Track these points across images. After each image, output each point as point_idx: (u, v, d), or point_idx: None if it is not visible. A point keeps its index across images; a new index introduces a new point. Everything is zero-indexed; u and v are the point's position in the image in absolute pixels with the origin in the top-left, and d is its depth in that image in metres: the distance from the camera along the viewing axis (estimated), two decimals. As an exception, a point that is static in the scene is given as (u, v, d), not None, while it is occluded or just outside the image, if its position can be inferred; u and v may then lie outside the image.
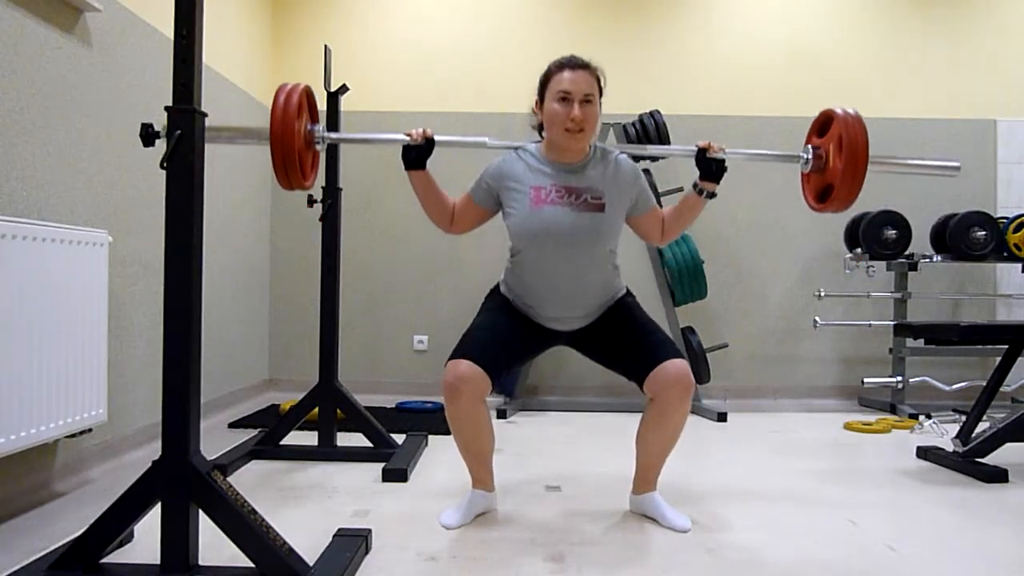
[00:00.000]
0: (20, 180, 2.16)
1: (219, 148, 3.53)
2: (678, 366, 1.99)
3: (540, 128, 2.11)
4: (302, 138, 1.87)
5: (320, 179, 2.82)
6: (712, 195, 2.06)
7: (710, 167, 2.03)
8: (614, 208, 2.04)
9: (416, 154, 2.01)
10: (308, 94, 1.92)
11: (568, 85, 1.97)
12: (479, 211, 2.14)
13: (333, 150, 2.84)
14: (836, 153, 1.95)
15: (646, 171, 3.97)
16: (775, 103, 4.32)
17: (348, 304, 4.17)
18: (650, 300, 3.96)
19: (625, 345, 2.08)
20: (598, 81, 2.04)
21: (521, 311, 2.14)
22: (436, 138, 2.01)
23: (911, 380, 3.98)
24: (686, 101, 4.32)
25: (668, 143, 3.90)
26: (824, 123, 2.04)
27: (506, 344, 2.07)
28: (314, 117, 1.96)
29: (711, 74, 4.35)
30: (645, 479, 2.16)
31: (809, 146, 2.06)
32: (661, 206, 2.22)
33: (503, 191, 2.08)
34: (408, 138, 2.00)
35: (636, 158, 3.92)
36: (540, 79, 2.07)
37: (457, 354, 1.99)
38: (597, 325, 2.13)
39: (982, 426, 2.80)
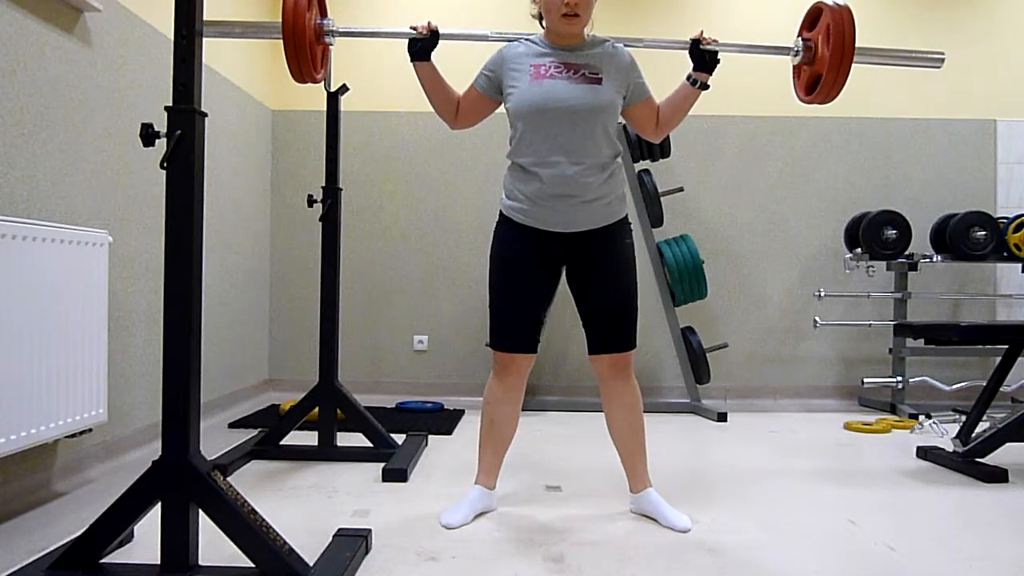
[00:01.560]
0: (20, 180, 2.16)
1: (219, 148, 3.53)
2: (614, 359, 2.12)
3: (540, 18, 2.18)
4: (312, 30, 1.95)
5: (320, 179, 2.84)
6: (705, 86, 2.12)
7: (703, 57, 2.08)
8: (611, 83, 2.08)
9: (421, 45, 2.08)
10: None
11: None
12: (483, 100, 2.19)
13: (333, 151, 2.83)
14: (824, 42, 2.01)
15: (645, 171, 3.98)
16: (775, 103, 4.32)
17: (348, 304, 4.17)
18: (650, 300, 3.96)
19: (598, 306, 2.13)
20: None
21: (525, 232, 2.10)
22: (440, 31, 2.08)
23: (911, 380, 3.98)
24: (686, 101, 4.31)
25: (668, 143, 3.90)
26: (814, 16, 2.10)
27: (530, 309, 2.13)
28: (323, 11, 2.05)
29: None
30: (634, 472, 2.20)
31: (799, 38, 2.11)
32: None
33: (505, 74, 2.13)
34: (413, 31, 2.06)
35: (640, 156, 3.92)
36: None
37: (499, 343, 2.14)
38: (592, 252, 2.11)
39: (982, 426, 2.80)
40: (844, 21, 1.96)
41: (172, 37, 1.58)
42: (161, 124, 1.59)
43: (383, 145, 4.31)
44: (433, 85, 2.15)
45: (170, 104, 1.57)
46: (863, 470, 2.80)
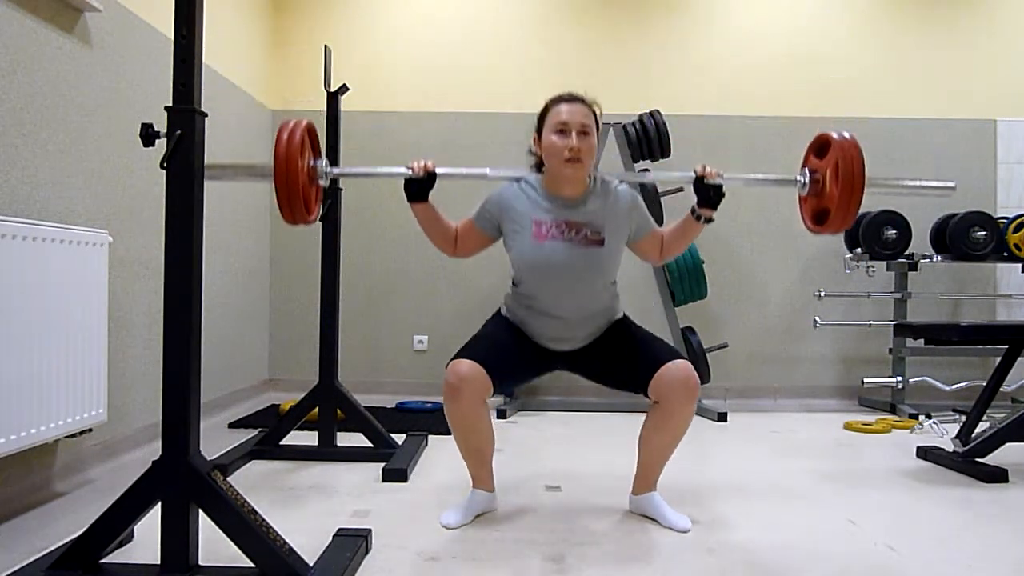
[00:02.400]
0: (20, 180, 2.16)
1: (219, 147, 3.53)
2: (683, 367, 2.01)
3: (539, 165, 2.14)
4: (305, 174, 1.88)
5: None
6: (710, 220, 2.09)
7: (707, 193, 2.04)
8: (613, 241, 2.08)
9: (418, 187, 2.04)
10: (310, 130, 1.94)
11: (565, 116, 2.01)
12: (482, 237, 2.18)
13: (333, 151, 2.83)
14: (833, 179, 1.94)
15: (645, 170, 3.97)
16: (775, 103, 4.32)
17: (348, 304, 4.17)
18: (650, 300, 3.96)
19: (626, 357, 2.10)
20: (594, 114, 2.07)
21: (523, 331, 2.16)
22: (437, 171, 2.03)
23: (911, 380, 3.98)
24: (686, 101, 4.32)
25: (668, 143, 3.90)
26: (821, 146, 2.04)
27: (508, 354, 2.10)
28: (316, 152, 1.98)
29: (711, 74, 4.35)
30: (646, 479, 2.17)
31: (806, 170, 2.05)
32: (662, 221, 2.24)
33: (505, 221, 2.12)
34: (410, 171, 2.01)
35: (640, 156, 3.92)
36: (538, 115, 2.11)
37: (458, 355, 2.02)
38: (596, 346, 2.15)
39: (982, 426, 2.80)
40: (853, 159, 1.89)
41: (172, 37, 1.58)
42: (161, 124, 1.59)
43: (383, 145, 4.31)
44: (431, 224, 2.12)
45: (170, 104, 1.57)
46: (863, 470, 2.80)
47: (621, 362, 2.11)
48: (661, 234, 2.20)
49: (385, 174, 2.12)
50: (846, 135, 1.94)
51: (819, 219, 2.04)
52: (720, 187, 2.04)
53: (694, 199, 2.10)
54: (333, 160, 2.83)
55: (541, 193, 2.10)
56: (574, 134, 2.00)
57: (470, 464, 2.15)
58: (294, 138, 1.83)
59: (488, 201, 2.16)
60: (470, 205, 2.20)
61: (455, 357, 2.02)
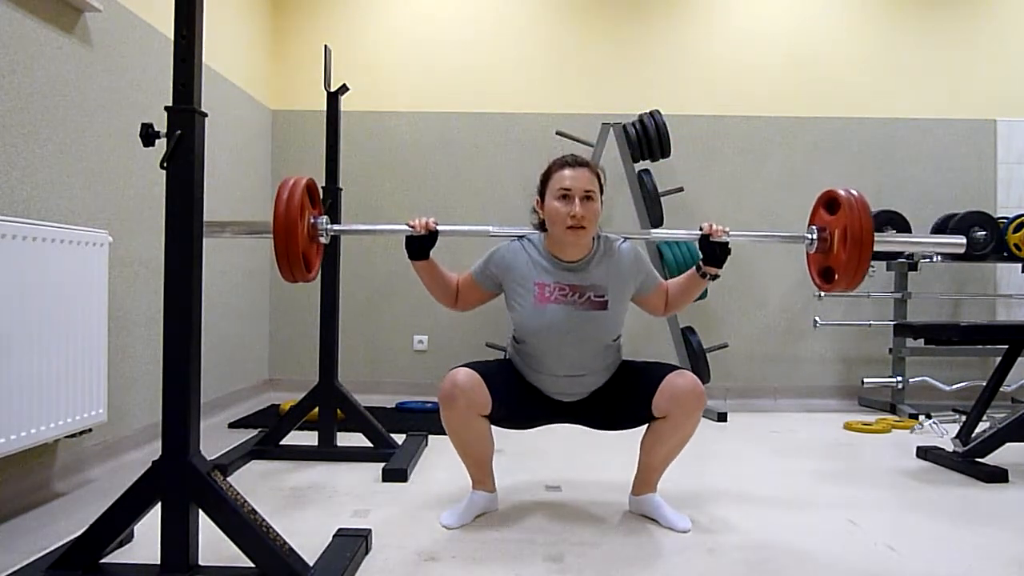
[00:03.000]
0: (20, 180, 2.16)
1: (219, 148, 3.53)
2: (688, 377, 2.01)
3: (541, 225, 2.12)
4: (306, 233, 1.88)
5: (320, 179, 2.83)
6: (715, 277, 2.07)
7: (714, 251, 2.03)
8: (617, 303, 2.07)
9: (419, 245, 2.04)
10: (310, 187, 1.94)
11: (569, 182, 1.99)
12: (483, 293, 2.18)
13: (333, 151, 2.84)
14: (841, 243, 1.93)
15: (645, 171, 3.97)
16: (775, 103, 4.32)
17: (348, 304, 4.16)
18: (650, 300, 3.96)
19: (626, 390, 2.10)
20: (598, 178, 2.06)
21: (527, 380, 2.16)
22: (439, 228, 2.04)
23: (911, 380, 3.98)
24: (686, 101, 4.32)
25: (668, 143, 3.90)
26: (829, 202, 2.02)
27: (511, 385, 2.10)
28: (317, 208, 1.97)
29: (711, 74, 4.34)
30: (646, 481, 2.17)
31: (814, 227, 2.05)
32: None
33: (507, 281, 2.12)
34: (411, 229, 2.01)
35: (640, 156, 3.92)
36: (540, 177, 2.09)
37: (457, 365, 2.03)
38: (599, 393, 2.14)
39: (982, 426, 2.80)
40: (862, 222, 1.87)
41: (172, 37, 1.58)
42: (161, 124, 1.59)
43: (383, 145, 4.31)
44: (432, 280, 2.13)
45: (170, 104, 1.57)
46: (863, 470, 2.80)
47: (622, 398, 2.10)
48: (666, 288, 2.18)
49: (387, 231, 2.11)
50: (854, 193, 1.92)
51: (826, 277, 2.03)
52: (726, 244, 2.02)
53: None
54: (332, 161, 2.83)
55: (543, 254, 2.09)
56: (577, 200, 1.98)
57: (469, 467, 2.15)
58: (294, 198, 1.83)
59: (490, 261, 2.15)
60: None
61: (452, 368, 2.03)
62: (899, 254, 3.98)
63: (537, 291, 2.04)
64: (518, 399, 2.10)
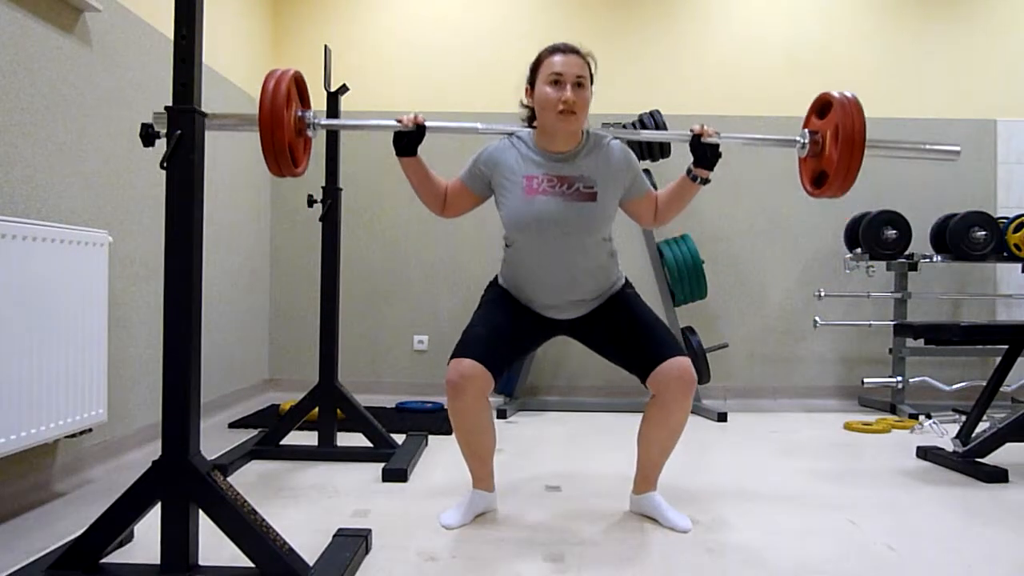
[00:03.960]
0: (20, 180, 2.16)
1: (219, 148, 3.53)
2: (681, 363, 2.01)
3: (531, 120, 2.11)
4: (292, 126, 1.85)
5: (320, 179, 2.83)
6: (706, 181, 2.06)
7: (704, 153, 2.02)
8: (606, 196, 2.04)
9: (407, 140, 2.00)
10: (298, 80, 1.90)
11: (560, 67, 1.97)
12: (471, 196, 2.15)
13: (333, 150, 2.84)
14: (832, 142, 1.92)
15: (646, 171, 3.97)
16: (775, 103, 4.32)
17: (348, 304, 4.17)
18: (650, 300, 3.93)
19: (627, 340, 2.08)
20: (589, 66, 2.04)
21: (520, 301, 2.14)
22: (427, 124, 2.00)
23: (911, 380, 3.98)
24: (686, 101, 4.32)
25: (668, 143, 3.90)
26: (822, 106, 2.02)
27: (506, 338, 2.07)
28: (305, 103, 1.94)
29: (711, 74, 4.34)
30: (646, 478, 2.16)
31: (806, 131, 2.04)
32: (656, 188, 2.21)
33: (495, 178, 2.09)
34: (399, 124, 1.98)
35: (640, 156, 3.92)
36: (531, 65, 2.08)
37: (459, 352, 2.00)
38: (597, 316, 2.12)
39: (982, 426, 2.80)
40: (854, 121, 1.86)
41: (172, 37, 1.58)
42: (161, 124, 1.59)
43: (383, 145, 4.29)
44: (420, 180, 2.09)
45: (170, 104, 1.57)
46: (863, 470, 2.80)
47: (623, 343, 2.09)
48: (655, 196, 2.15)
49: (374, 126, 2.07)
50: (848, 95, 1.90)
51: (818, 182, 2.02)
52: (717, 146, 2.03)
53: (694, 197, 2.09)
54: (332, 161, 2.83)
55: (532, 148, 2.07)
56: (569, 86, 1.96)
57: (471, 463, 2.14)
58: (280, 89, 1.80)
59: (478, 159, 2.12)
60: (460, 164, 2.18)
61: (455, 353, 2.00)
62: (897, 254, 3.98)
63: (525, 183, 2.02)
64: (514, 341, 2.08)
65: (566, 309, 2.11)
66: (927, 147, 2.16)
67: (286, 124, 1.81)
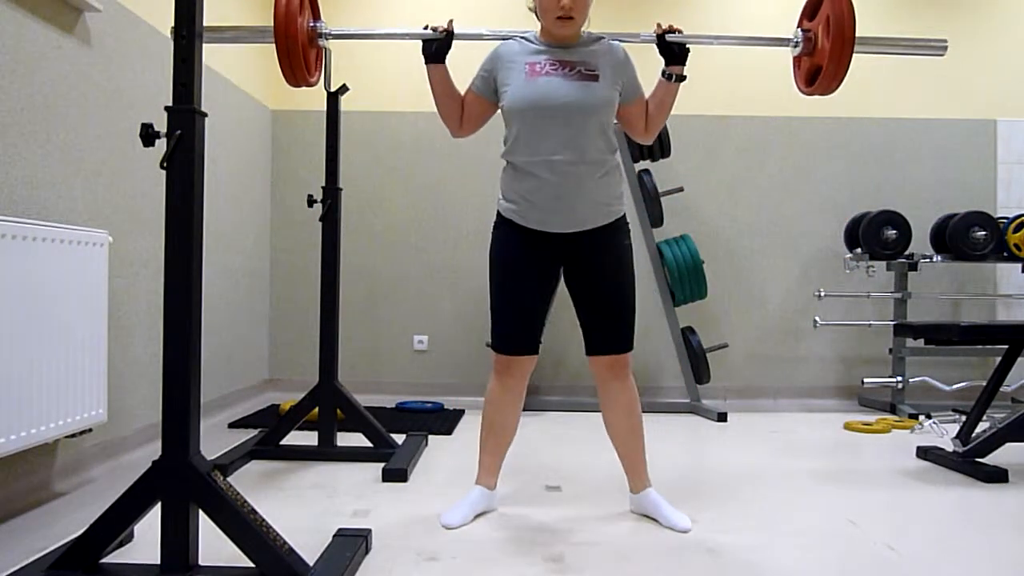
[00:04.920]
0: (20, 180, 2.16)
1: (220, 148, 3.53)
2: (612, 360, 2.11)
3: (536, 12, 2.15)
4: (305, 34, 1.96)
5: (320, 179, 2.83)
6: (681, 77, 2.10)
7: (671, 49, 2.07)
8: (607, 80, 2.06)
9: (437, 47, 2.08)
10: None
11: None
12: (481, 103, 2.17)
13: (333, 151, 2.83)
14: (824, 33, 1.97)
15: (645, 171, 3.97)
16: (775, 103, 4.32)
17: (348, 304, 4.17)
18: (650, 300, 3.96)
19: (594, 310, 2.12)
20: None
21: (523, 233, 2.09)
22: (455, 30, 2.09)
23: (911, 380, 3.98)
24: (687, 101, 4.26)
25: (668, 143, 3.90)
26: (814, 6, 2.06)
27: (534, 309, 2.13)
28: (316, 14, 2.04)
29: (712, 74, 4.34)
30: (634, 472, 2.20)
31: (799, 29, 2.09)
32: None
33: (499, 72, 2.11)
34: (430, 31, 2.06)
35: (640, 156, 3.92)
36: None
37: (502, 347, 2.12)
38: (589, 253, 2.10)
39: (982, 426, 2.80)
40: (844, 11, 1.92)
41: (172, 37, 1.58)
42: (161, 124, 1.59)
43: (383, 145, 4.31)
44: (444, 89, 2.14)
45: (170, 104, 1.57)
46: (863, 470, 2.80)
47: (590, 309, 2.12)
48: (646, 101, 2.17)
49: (387, 35, 2.15)
50: None
51: (811, 79, 2.07)
52: (683, 44, 2.08)
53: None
54: (332, 161, 2.83)
55: (536, 41, 2.12)
56: None
57: (487, 456, 2.18)
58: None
59: (484, 63, 2.16)
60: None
61: (498, 349, 2.12)
62: (897, 254, 3.98)
63: (528, 68, 2.05)
64: (535, 300, 2.13)
65: (566, 217, 2.05)
66: (914, 40, 2.22)
67: (299, 31, 1.91)
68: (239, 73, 3.82)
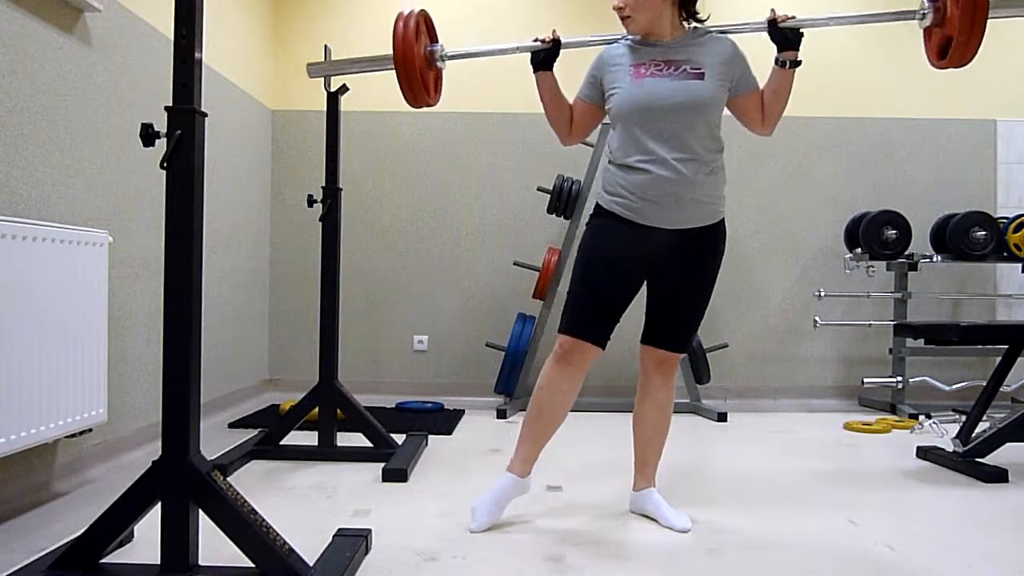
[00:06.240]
0: (20, 180, 2.16)
1: (220, 149, 3.53)
2: (665, 356, 2.16)
3: None
4: (423, 58, 2.06)
5: (320, 179, 2.84)
6: (797, 63, 2.10)
7: (784, 35, 2.06)
8: (714, 77, 2.05)
9: (544, 55, 2.13)
10: (425, 17, 2.12)
11: None
12: (590, 109, 2.18)
13: (333, 151, 2.84)
14: (954, 3, 1.88)
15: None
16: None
17: (348, 304, 4.17)
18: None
19: (672, 302, 2.15)
20: None
21: (624, 226, 2.06)
22: (562, 40, 2.13)
23: (911, 380, 3.98)
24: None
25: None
26: None
27: (611, 307, 2.08)
28: (432, 38, 2.13)
29: (711, 74, 4.34)
30: (644, 470, 2.19)
31: (926, 0, 2.02)
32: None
33: (605, 75, 2.12)
34: (537, 43, 2.12)
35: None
36: None
37: (571, 330, 2.05)
38: (687, 250, 2.09)
39: (982, 426, 2.81)
40: None
41: (172, 37, 1.58)
42: (161, 124, 1.59)
43: (383, 145, 4.31)
44: (552, 96, 2.17)
45: (170, 104, 1.57)
46: (863, 470, 2.80)
47: (665, 302, 2.15)
48: (762, 92, 2.16)
49: (503, 50, 2.19)
50: None
51: (943, 51, 2.00)
52: (797, 28, 2.07)
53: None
54: (332, 161, 2.83)
55: (638, 41, 2.12)
56: None
57: (529, 446, 2.10)
58: (409, 25, 2.02)
59: (590, 66, 2.18)
60: None
61: (566, 330, 2.05)
62: (897, 254, 3.98)
63: (633, 70, 2.06)
64: (617, 296, 2.08)
65: (674, 212, 2.03)
66: None
67: (417, 56, 2.01)
68: (239, 73, 3.82)
